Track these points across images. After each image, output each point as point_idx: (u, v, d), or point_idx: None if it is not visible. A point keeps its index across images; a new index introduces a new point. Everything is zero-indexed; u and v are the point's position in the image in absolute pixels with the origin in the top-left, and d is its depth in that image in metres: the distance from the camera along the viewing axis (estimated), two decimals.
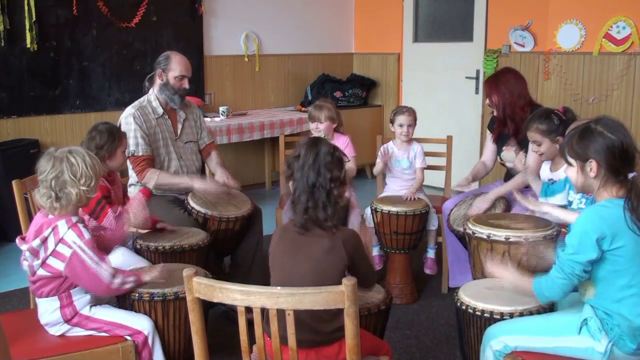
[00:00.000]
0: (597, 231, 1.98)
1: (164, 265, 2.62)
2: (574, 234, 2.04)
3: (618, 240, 1.98)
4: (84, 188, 2.29)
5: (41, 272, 2.32)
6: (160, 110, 3.57)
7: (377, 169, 4.00)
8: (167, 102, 3.59)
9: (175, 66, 3.54)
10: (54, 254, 2.28)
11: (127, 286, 2.38)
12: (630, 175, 2.04)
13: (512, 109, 3.51)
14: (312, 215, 2.04)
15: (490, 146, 3.75)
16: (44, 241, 2.27)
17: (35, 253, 2.28)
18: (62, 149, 2.33)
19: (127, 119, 3.47)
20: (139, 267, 2.66)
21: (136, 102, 3.57)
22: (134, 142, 3.42)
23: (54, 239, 2.27)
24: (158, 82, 3.57)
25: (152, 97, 3.59)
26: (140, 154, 3.45)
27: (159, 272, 2.48)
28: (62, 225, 2.28)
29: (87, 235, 2.31)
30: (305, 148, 2.08)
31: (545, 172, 3.17)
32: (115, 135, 3.02)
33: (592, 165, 2.04)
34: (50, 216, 2.32)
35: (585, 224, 2.02)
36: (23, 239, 2.36)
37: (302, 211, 2.05)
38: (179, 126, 3.65)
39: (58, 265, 2.29)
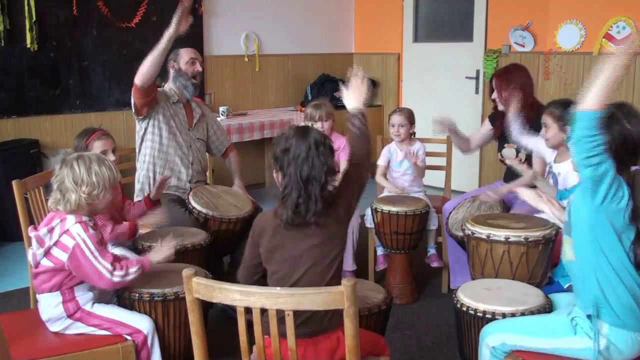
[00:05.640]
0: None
1: (170, 237, 2.64)
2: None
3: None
4: (83, 195, 2.34)
5: (45, 262, 2.34)
6: (176, 98, 3.66)
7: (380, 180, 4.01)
8: (181, 92, 3.67)
9: (184, 53, 3.69)
10: (58, 244, 2.32)
11: (130, 277, 2.38)
12: (634, 168, 2.03)
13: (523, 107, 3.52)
14: (302, 212, 1.95)
15: (482, 131, 3.88)
16: (51, 231, 2.32)
17: (41, 242, 2.33)
18: (73, 155, 2.42)
19: None
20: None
21: None
22: None
23: (60, 229, 2.32)
24: (171, 72, 3.68)
25: (167, 88, 3.70)
26: None
27: (169, 249, 2.52)
28: (70, 218, 2.34)
29: (92, 231, 2.35)
30: (296, 139, 1.97)
31: (547, 152, 3.16)
32: (84, 135, 3.03)
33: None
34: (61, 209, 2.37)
35: None
36: (35, 228, 2.41)
37: (293, 207, 1.95)
38: (194, 120, 3.73)
39: (61, 256, 2.32)
